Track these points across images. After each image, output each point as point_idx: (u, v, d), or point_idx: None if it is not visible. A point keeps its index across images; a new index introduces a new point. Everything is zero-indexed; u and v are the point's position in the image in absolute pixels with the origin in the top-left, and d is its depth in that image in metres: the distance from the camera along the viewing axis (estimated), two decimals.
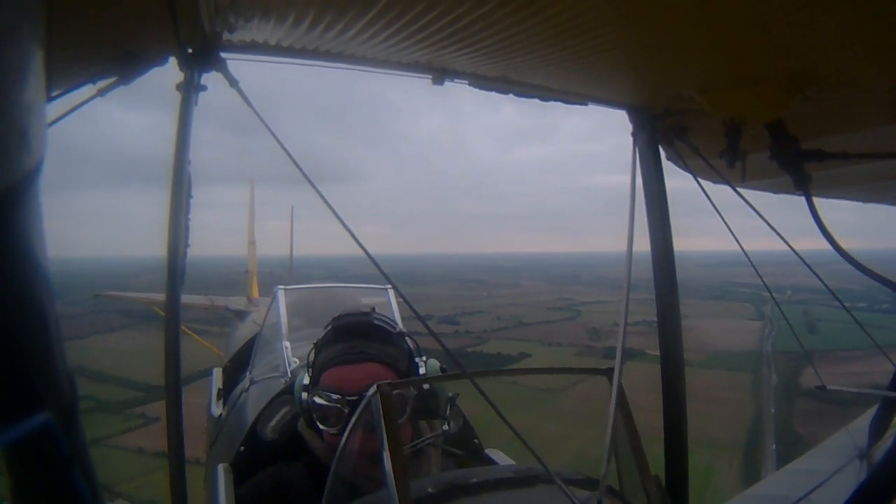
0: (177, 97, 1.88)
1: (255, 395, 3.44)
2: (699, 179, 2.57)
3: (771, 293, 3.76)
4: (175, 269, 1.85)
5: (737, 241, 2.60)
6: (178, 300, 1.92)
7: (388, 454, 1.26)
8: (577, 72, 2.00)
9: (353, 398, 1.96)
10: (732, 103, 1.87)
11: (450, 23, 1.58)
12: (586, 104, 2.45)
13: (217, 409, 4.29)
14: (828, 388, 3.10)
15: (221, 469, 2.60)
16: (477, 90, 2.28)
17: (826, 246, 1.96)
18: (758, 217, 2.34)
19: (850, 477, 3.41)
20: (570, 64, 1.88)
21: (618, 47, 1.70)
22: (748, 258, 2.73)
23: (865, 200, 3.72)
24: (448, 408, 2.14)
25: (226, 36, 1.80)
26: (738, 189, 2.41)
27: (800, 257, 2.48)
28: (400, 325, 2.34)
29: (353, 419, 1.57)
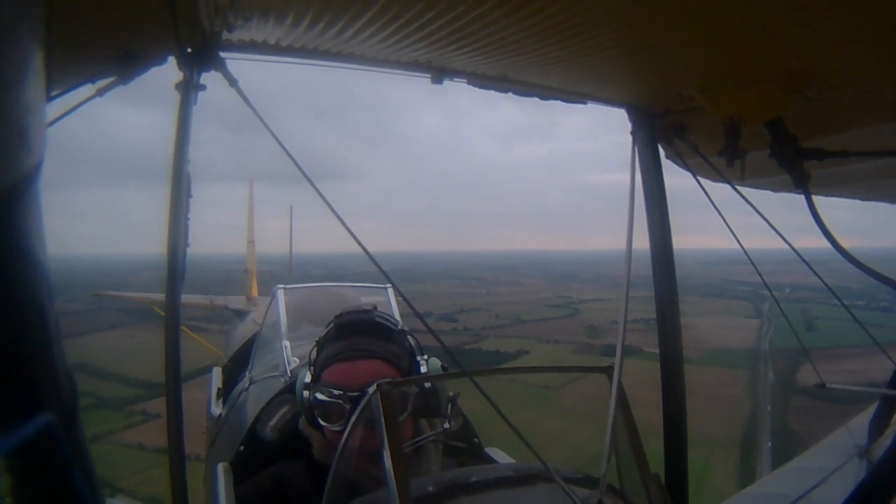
0: (176, 97, 1.88)
1: (254, 394, 3.44)
2: (699, 178, 2.57)
3: (770, 291, 3.76)
4: (175, 269, 1.85)
5: (736, 239, 2.60)
6: (177, 300, 1.92)
7: (389, 452, 1.26)
8: (577, 71, 2.00)
9: (355, 394, 1.97)
10: (732, 102, 1.87)
11: (449, 22, 1.57)
12: (586, 103, 2.45)
13: (217, 409, 4.29)
14: (828, 386, 3.11)
15: (221, 469, 2.60)
16: (476, 89, 2.28)
17: (825, 244, 1.96)
18: (757, 215, 2.34)
19: (850, 475, 3.42)
20: (570, 63, 1.88)
21: (617, 46, 1.70)
22: (748, 256, 2.73)
23: (865, 199, 3.72)
24: (449, 407, 2.14)
25: (225, 35, 1.80)
26: (738, 187, 2.41)
27: (799, 255, 2.48)
28: (401, 324, 2.35)
29: (354, 417, 1.57)
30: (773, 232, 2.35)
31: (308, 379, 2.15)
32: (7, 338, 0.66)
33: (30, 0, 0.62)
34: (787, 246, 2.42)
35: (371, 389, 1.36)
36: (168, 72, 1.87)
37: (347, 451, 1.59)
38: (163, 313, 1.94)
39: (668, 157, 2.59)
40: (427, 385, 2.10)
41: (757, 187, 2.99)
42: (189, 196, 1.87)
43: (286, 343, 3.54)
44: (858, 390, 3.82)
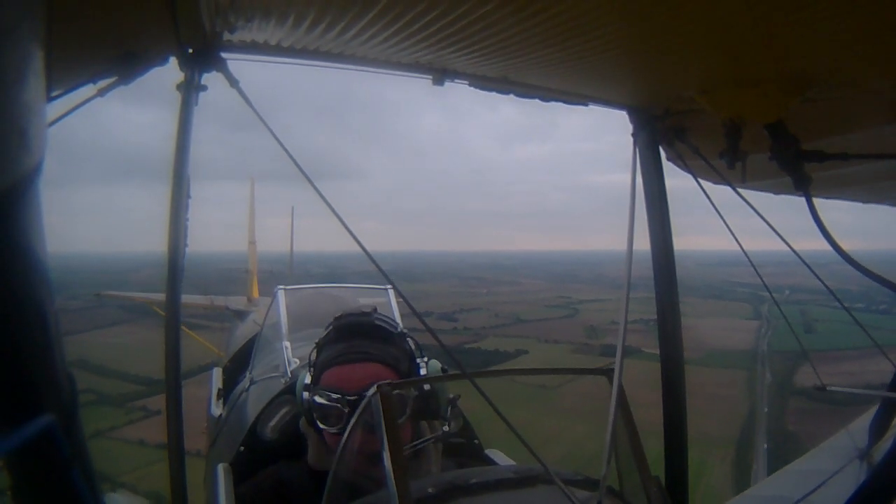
0: (177, 97, 1.88)
1: (255, 395, 3.44)
2: (699, 180, 2.57)
3: (770, 292, 3.76)
4: (175, 268, 1.85)
5: (736, 240, 2.60)
6: (178, 299, 1.91)
7: (389, 454, 1.26)
8: (578, 72, 2.00)
9: (353, 398, 1.96)
10: (733, 104, 1.87)
11: (450, 23, 1.57)
12: (587, 104, 2.45)
13: (217, 409, 4.28)
14: (828, 388, 3.10)
15: (221, 469, 2.60)
16: (477, 90, 2.27)
17: (825, 246, 1.96)
18: (757, 217, 2.35)
19: (850, 478, 3.41)
20: (571, 64, 1.88)
21: (618, 48, 1.69)
22: (748, 258, 2.73)
23: (865, 201, 3.72)
24: (449, 409, 2.14)
25: (226, 36, 1.80)
26: (739, 189, 2.41)
27: (799, 257, 2.48)
28: (401, 326, 2.35)
29: (354, 419, 1.56)
30: (774, 234, 2.35)
31: (308, 380, 2.14)
32: (7, 337, 0.66)
33: (30, 0, 0.62)
34: (787, 248, 2.42)
35: (371, 391, 1.36)
36: (169, 71, 1.87)
37: (347, 453, 1.59)
38: (163, 313, 1.94)
39: (668, 158, 2.59)
40: (427, 387, 2.10)
41: (758, 189, 2.99)
42: (188, 197, 1.87)
43: (286, 344, 3.54)
44: (859, 393, 3.81)
